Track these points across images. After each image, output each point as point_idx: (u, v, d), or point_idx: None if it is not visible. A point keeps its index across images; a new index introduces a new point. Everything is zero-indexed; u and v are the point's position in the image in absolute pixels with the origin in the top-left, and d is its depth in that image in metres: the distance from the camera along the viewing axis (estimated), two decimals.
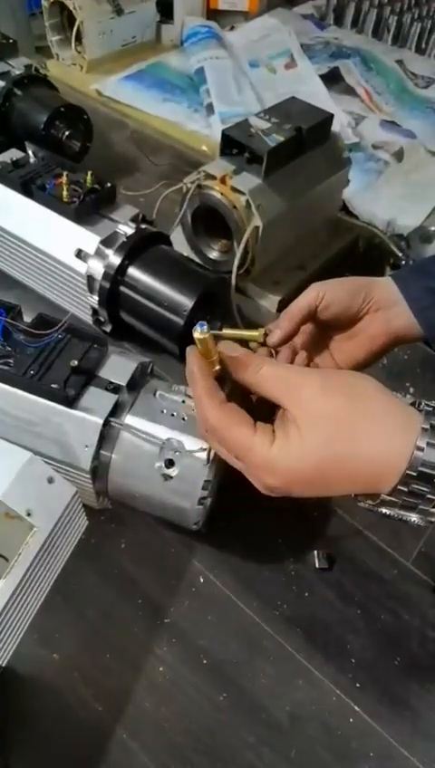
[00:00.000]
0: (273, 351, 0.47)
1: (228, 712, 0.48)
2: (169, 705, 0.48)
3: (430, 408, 0.33)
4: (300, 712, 0.49)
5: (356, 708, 0.49)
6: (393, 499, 0.32)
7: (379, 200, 0.94)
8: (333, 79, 1.14)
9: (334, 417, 0.32)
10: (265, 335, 0.45)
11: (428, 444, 0.30)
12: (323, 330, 0.49)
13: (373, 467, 0.32)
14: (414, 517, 0.33)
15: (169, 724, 0.48)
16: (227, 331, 0.44)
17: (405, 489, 0.31)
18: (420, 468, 0.30)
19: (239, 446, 0.34)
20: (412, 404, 0.35)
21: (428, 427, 0.31)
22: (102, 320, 0.67)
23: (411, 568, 0.57)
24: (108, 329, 0.67)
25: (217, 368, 0.39)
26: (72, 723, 0.47)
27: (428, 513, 0.32)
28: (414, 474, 0.31)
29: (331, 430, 0.32)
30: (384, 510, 0.34)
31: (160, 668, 0.50)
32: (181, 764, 0.46)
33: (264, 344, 0.47)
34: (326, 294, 0.46)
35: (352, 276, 0.49)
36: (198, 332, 0.37)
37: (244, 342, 0.44)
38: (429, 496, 0.31)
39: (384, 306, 0.47)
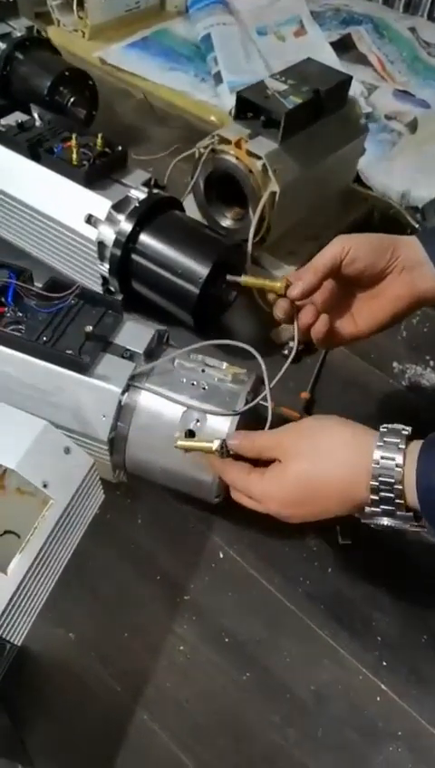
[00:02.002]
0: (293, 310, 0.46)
1: (252, 692, 0.47)
2: (190, 686, 0.47)
3: (386, 429, 0.39)
4: (325, 691, 0.47)
5: (383, 687, 0.47)
6: (375, 509, 0.38)
7: (393, 172, 0.91)
8: (343, 47, 1.10)
9: (306, 452, 0.40)
10: (287, 287, 0.43)
11: (381, 458, 0.37)
12: (345, 287, 0.48)
13: (344, 485, 0.39)
14: (397, 524, 0.39)
15: (190, 704, 0.46)
16: (247, 278, 0.46)
17: (377, 498, 0.37)
18: (380, 479, 0.37)
19: (243, 486, 0.43)
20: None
21: (382, 443, 0.38)
22: (113, 289, 0.64)
23: None
24: (118, 299, 0.65)
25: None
26: (90, 702, 0.45)
27: (405, 518, 0.38)
28: (377, 484, 0.37)
29: (304, 463, 0.40)
30: (380, 521, 0.39)
31: (181, 647, 0.48)
32: (204, 746, 0.44)
33: (284, 296, 0.45)
34: (352, 248, 0.45)
35: (378, 233, 0.47)
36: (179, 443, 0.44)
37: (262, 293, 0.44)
38: (397, 500, 0.37)
39: (409, 266, 0.46)
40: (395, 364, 0.68)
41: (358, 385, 0.66)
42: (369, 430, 0.40)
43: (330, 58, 1.07)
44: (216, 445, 0.42)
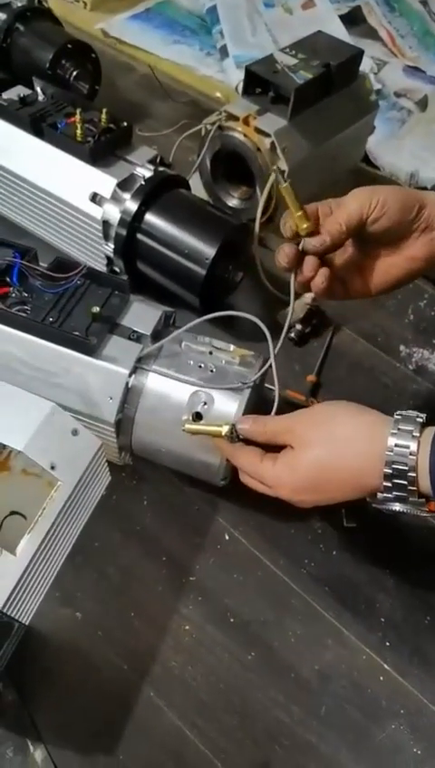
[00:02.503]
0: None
1: (257, 671, 0.47)
2: (195, 664, 0.47)
3: (400, 416, 0.39)
4: (329, 671, 0.48)
5: (386, 667, 0.48)
6: (388, 495, 0.38)
7: (401, 151, 0.89)
8: (353, 20, 1.07)
9: (320, 439, 0.40)
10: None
11: (395, 445, 0.37)
12: (360, 242, 0.45)
13: (357, 472, 0.39)
14: (409, 509, 0.39)
15: (196, 682, 0.46)
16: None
17: (390, 485, 0.37)
18: (394, 466, 0.37)
19: (254, 471, 0.43)
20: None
21: (396, 431, 0.38)
22: (118, 270, 0.63)
23: None
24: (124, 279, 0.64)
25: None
26: (97, 680, 0.46)
27: (417, 503, 0.38)
28: (390, 471, 0.37)
29: (318, 450, 0.40)
30: (393, 506, 0.39)
31: (186, 627, 0.48)
32: (210, 722, 0.45)
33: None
34: (380, 204, 0.41)
35: (402, 187, 0.45)
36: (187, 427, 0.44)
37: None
38: (410, 487, 0.37)
39: (432, 225, 0.43)
40: (402, 347, 0.68)
41: (364, 368, 0.66)
42: (382, 416, 0.40)
43: (339, 31, 1.04)
44: (225, 429, 0.42)
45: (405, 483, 0.37)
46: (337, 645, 0.49)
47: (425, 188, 0.85)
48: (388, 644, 0.49)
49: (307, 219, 0.41)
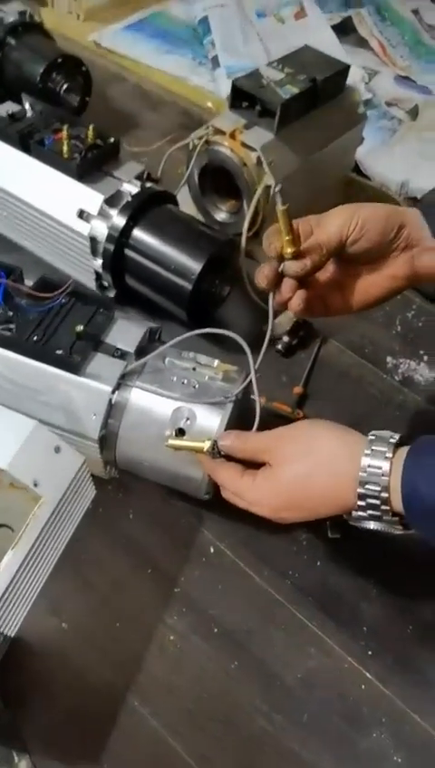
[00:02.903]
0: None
1: (240, 679, 0.48)
2: (180, 673, 0.48)
3: (374, 437, 0.39)
4: (312, 679, 0.48)
5: (368, 675, 0.49)
6: (362, 514, 0.39)
7: (392, 160, 0.90)
8: (345, 30, 1.08)
9: (297, 458, 0.41)
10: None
11: (368, 466, 0.38)
12: (340, 260, 0.45)
13: (333, 491, 0.40)
14: (384, 528, 0.40)
15: (180, 691, 0.47)
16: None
17: (364, 504, 0.38)
18: (367, 486, 0.38)
19: (234, 488, 0.44)
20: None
21: (369, 451, 0.38)
22: (106, 284, 0.64)
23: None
24: (112, 294, 0.65)
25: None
26: (82, 689, 0.47)
27: (391, 522, 0.39)
28: (364, 491, 0.38)
29: (295, 469, 0.41)
30: (368, 525, 0.40)
31: (171, 637, 0.49)
32: (193, 730, 0.46)
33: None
34: (359, 225, 0.41)
35: (384, 204, 0.44)
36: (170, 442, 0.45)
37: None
38: (383, 507, 0.38)
39: (411, 244, 0.44)
40: (389, 359, 0.68)
41: (351, 379, 0.66)
42: (358, 437, 0.40)
43: (331, 41, 1.05)
44: (207, 445, 0.43)
45: (378, 502, 0.38)
46: (320, 654, 0.50)
47: (415, 198, 0.86)
48: (370, 653, 0.50)
49: (294, 245, 0.41)
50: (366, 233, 0.42)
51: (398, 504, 0.37)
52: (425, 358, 0.69)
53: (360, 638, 0.50)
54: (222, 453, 0.44)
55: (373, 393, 0.66)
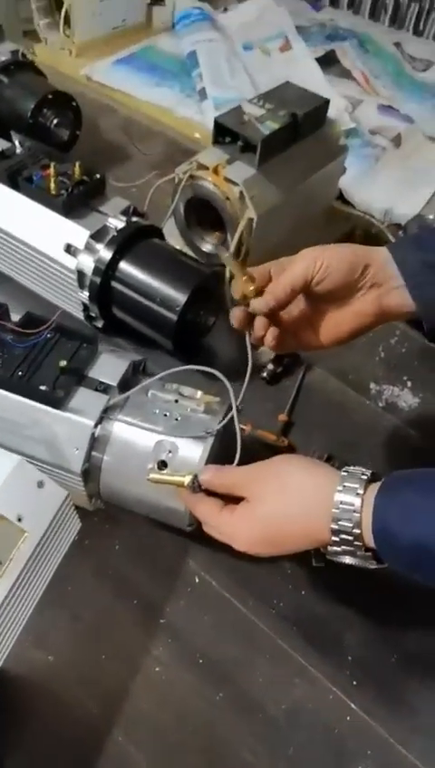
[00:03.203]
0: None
1: (225, 711, 0.48)
2: (165, 705, 0.48)
3: (346, 473, 0.40)
4: (297, 710, 0.49)
5: (353, 706, 0.49)
6: (337, 549, 0.40)
7: (376, 188, 0.92)
8: (328, 62, 1.11)
9: (272, 495, 0.42)
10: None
11: (341, 502, 0.39)
12: (309, 299, 0.47)
13: (307, 528, 0.41)
14: (359, 562, 0.40)
15: (165, 723, 0.47)
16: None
17: (338, 539, 0.39)
18: (340, 522, 0.39)
19: (213, 523, 0.44)
20: (333, 463, 0.44)
21: (341, 488, 0.39)
22: (94, 315, 0.65)
23: None
24: (99, 324, 0.66)
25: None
26: (68, 724, 0.47)
27: (365, 557, 0.40)
28: (337, 527, 0.39)
29: (270, 505, 0.42)
30: (343, 559, 0.41)
31: (157, 668, 0.50)
32: (178, 764, 0.46)
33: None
34: (323, 266, 0.43)
35: (351, 244, 0.47)
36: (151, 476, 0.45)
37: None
38: (356, 542, 0.39)
39: (378, 282, 0.45)
40: (372, 385, 0.70)
41: (336, 406, 0.67)
42: (331, 473, 0.41)
43: (315, 73, 1.08)
44: (187, 480, 0.43)
45: (351, 538, 0.38)
46: (305, 683, 0.50)
47: (399, 225, 0.88)
48: (355, 683, 0.50)
49: (252, 282, 0.44)
50: (331, 273, 0.44)
51: (370, 540, 0.38)
52: (408, 384, 0.70)
53: (345, 667, 0.51)
54: (202, 487, 0.44)
55: (357, 420, 0.67)
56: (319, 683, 0.50)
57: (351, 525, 0.38)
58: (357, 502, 0.38)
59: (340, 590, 0.54)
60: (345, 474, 0.40)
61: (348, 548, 0.39)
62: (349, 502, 0.38)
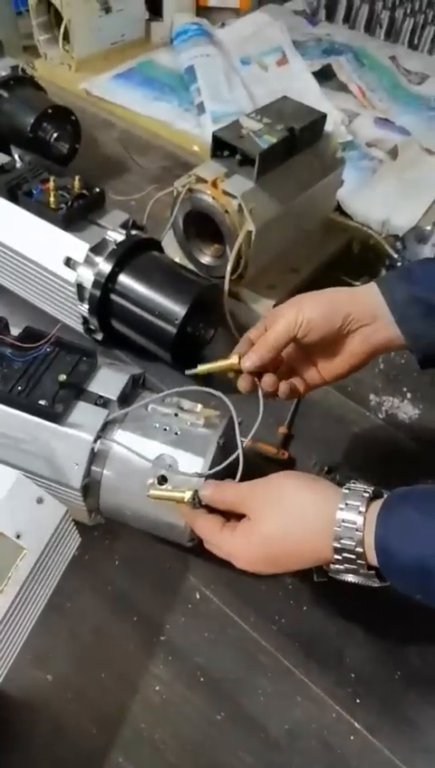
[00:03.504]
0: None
1: (226, 731, 0.47)
2: (165, 725, 0.47)
3: (348, 491, 0.40)
4: (299, 730, 0.48)
5: (356, 725, 0.48)
6: (339, 567, 0.40)
7: (373, 199, 0.93)
8: (325, 76, 1.12)
9: (272, 514, 0.41)
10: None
11: (343, 521, 0.38)
12: (304, 347, 0.49)
13: (309, 547, 0.40)
14: (361, 581, 0.40)
15: (165, 745, 0.47)
16: (202, 367, 0.47)
17: (340, 558, 0.39)
18: (342, 541, 0.38)
19: (213, 541, 0.44)
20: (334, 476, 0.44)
21: (343, 506, 0.39)
22: (93, 328, 0.65)
23: None
24: (99, 337, 0.66)
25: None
26: (66, 746, 0.46)
27: (368, 575, 0.39)
28: (339, 546, 0.38)
29: (270, 525, 0.41)
30: (346, 577, 0.40)
31: (157, 687, 0.49)
32: None
33: (239, 372, 0.46)
34: (304, 323, 0.46)
35: (333, 290, 0.48)
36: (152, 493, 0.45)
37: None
38: (358, 561, 0.38)
39: (365, 322, 0.47)
40: (372, 396, 0.69)
41: (335, 418, 0.67)
42: (332, 490, 0.41)
43: (312, 86, 1.09)
44: (187, 496, 0.43)
45: (354, 557, 0.38)
46: (307, 701, 0.49)
47: (397, 236, 0.88)
48: (358, 701, 0.49)
49: (230, 359, 0.48)
50: (312, 329, 0.46)
51: (373, 558, 0.37)
52: (408, 395, 0.70)
53: (347, 684, 0.50)
54: (203, 503, 0.44)
55: (357, 432, 0.66)
56: (321, 701, 0.49)
57: (353, 544, 0.38)
58: (359, 520, 0.38)
59: (342, 605, 0.53)
60: (347, 491, 0.39)
61: (351, 566, 0.39)
62: (351, 520, 0.38)
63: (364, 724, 0.48)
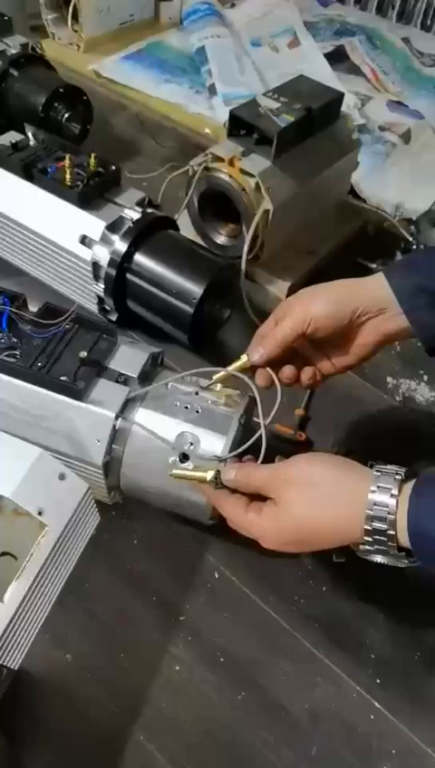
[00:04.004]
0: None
1: (247, 711, 0.47)
2: (186, 705, 0.47)
3: (379, 473, 0.39)
4: (320, 710, 0.48)
5: (377, 705, 0.48)
6: (369, 548, 0.39)
7: (387, 183, 0.92)
8: (337, 58, 1.11)
9: (301, 497, 0.41)
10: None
11: (374, 504, 0.38)
12: (315, 342, 0.49)
13: (339, 529, 0.40)
14: (391, 561, 0.40)
15: (186, 724, 0.46)
16: (216, 377, 0.48)
17: (370, 539, 0.38)
18: (374, 524, 0.38)
19: (239, 523, 0.43)
20: (353, 458, 0.42)
21: (375, 489, 0.38)
22: (108, 308, 0.64)
23: None
24: (114, 318, 0.65)
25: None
26: (87, 724, 0.46)
27: (398, 556, 0.39)
28: (370, 528, 0.38)
29: (300, 508, 0.41)
30: (375, 558, 0.40)
31: (177, 667, 0.49)
32: (200, 765, 0.45)
33: (253, 368, 0.46)
34: (312, 320, 0.46)
35: (340, 284, 0.48)
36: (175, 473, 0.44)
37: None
38: (389, 543, 0.38)
39: (374, 313, 0.47)
40: (389, 379, 0.69)
41: (352, 400, 0.67)
42: (363, 472, 0.40)
43: (324, 69, 1.07)
44: (210, 476, 0.42)
45: (385, 539, 0.38)
46: (327, 683, 0.49)
47: (410, 219, 0.87)
48: (378, 681, 0.49)
49: (241, 359, 0.48)
50: (320, 326, 0.46)
51: (405, 540, 0.37)
52: (425, 378, 0.69)
53: (368, 666, 0.50)
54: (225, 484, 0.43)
55: (374, 414, 0.66)
56: (342, 682, 0.49)
57: (385, 527, 0.37)
58: (392, 503, 0.37)
59: (361, 586, 0.53)
60: (378, 473, 0.39)
61: (381, 547, 0.38)
62: (383, 503, 0.37)
63: (385, 705, 0.48)
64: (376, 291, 0.47)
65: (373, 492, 0.38)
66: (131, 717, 0.46)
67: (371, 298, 0.46)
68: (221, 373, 0.48)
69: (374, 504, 0.37)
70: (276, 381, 0.48)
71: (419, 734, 0.47)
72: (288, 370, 0.48)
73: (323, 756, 0.46)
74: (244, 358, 0.48)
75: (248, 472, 0.43)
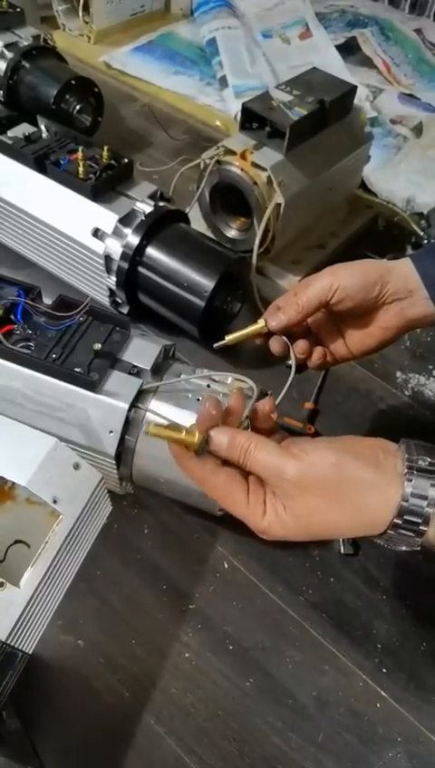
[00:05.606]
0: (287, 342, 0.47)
1: (255, 697, 0.48)
2: (195, 691, 0.48)
3: (410, 465, 0.35)
4: (326, 697, 0.48)
5: (383, 693, 0.49)
6: (393, 537, 0.36)
7: (397, 177, 0.91)
8: (349, 49, 1.10)
9: (319, 496, 0.36)
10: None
11: (412, 494, 0.34)
12: (335, 315, 0.48)
13: (361, 522, 0.36)
14: (409, 548, 0.37)
15: (195, 709, 0.47)
16: (231, 337, 0.46)
17: (393, 533, 0.36)
18: (406, 517, 0.35)
19: (243, 516, 0.39)
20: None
21: (410, 482, 0.35)
22: (120, 301, 0.65)
23: None
24: (125, 310, 0.66)
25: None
26: (98, 707, 0.47)
27: (415, 543, 0.37)
28: (401, 522, 0.35)
29: (320, 507, 0.36)
30: (397, 546, 0.37)
31: (186, 654, 0.49)
32: (209, 749, 0.46)
33: (268, 334, 0.46)
34: (339, 288, 0.44)
35: (368, 261, 0.47)
36: (152, 428, 0.37)
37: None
38: (417, 537, 0.36)
39: (401, 295, 0.46)
40: (399, 374, 0.69)
41: (361, 395, 0.67)
42: (392, 463, 0.36)
43: (335, 61, 1.07)
44: (197, 438, 0.34)
45: (412, 534, 0.35)
46: (334, 671, 0.50)
47: (421, 213, 0.87)
48: (384, 670, 0.50)
49: (258, 323, 0.47)
50: (347, 294, 0.45)
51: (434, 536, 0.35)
52: (434, 372, 0.69)
53: (374, 655, 0.50)
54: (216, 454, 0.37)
55: (383, 408, 0.66)
56: (348, 670, 0.50)
57: (419, 521, 0.35)
58: (432, 493, 0.34)
59: (368, 577, 0.54)
60: (410, 465, 0.35)
61: (408, 540, 0.36)
62: (420, 495, 0.34)
63: (391, 693, 0.49)
64: (404, 274, 0.46)
65: (409, 482, 0.34)
66: (142, 702, 0.47)
67: (399, 279, 0.45)
68: (236, 334, 0.47)
69: (410, 497, 0.34)
70: (292, 350, 0.47)
71: (424, 723, 0.48)
72: (302, 344, 0.47)
73: (330, 742, 0.47)
74: (260, 322, 0.46)
75: (245, 449, 0.36)
